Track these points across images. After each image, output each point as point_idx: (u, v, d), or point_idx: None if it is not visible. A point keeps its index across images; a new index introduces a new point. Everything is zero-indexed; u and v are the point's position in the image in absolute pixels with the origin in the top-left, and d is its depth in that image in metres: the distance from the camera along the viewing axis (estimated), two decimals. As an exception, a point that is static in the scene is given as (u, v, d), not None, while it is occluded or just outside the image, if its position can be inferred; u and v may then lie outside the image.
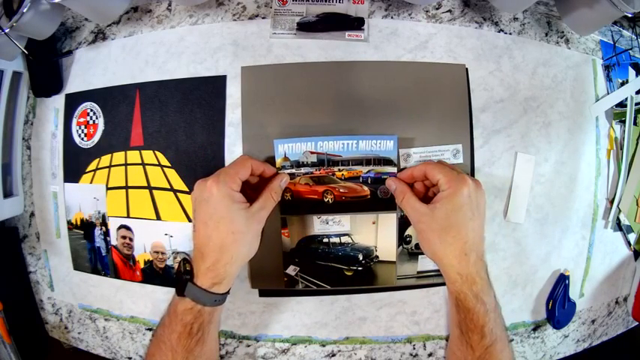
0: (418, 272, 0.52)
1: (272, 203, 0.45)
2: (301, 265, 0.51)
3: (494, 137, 0.52)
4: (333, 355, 0.54)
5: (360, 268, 0.51)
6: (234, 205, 0.41)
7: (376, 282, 0.52)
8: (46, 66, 0.56)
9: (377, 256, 0.51)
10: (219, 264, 0.41)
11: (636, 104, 0.56)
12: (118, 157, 0.54)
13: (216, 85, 0.51)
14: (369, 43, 0.51)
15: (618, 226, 0.58)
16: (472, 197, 0.42)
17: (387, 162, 0.48)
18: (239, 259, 0.42)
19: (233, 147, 0.50)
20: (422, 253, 0.50)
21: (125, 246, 0.55)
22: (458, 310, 0.43)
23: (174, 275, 0.42)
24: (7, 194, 0.58)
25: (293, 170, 0.48)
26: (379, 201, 0.49)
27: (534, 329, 0.57)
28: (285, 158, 0.48)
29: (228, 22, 0.52)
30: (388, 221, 0.50)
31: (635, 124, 0.56)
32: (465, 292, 0.42)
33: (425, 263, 0.51)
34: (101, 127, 0.55)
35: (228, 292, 0.44)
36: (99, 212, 0.55)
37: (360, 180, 0.49)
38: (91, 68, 0.56)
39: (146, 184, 0.53)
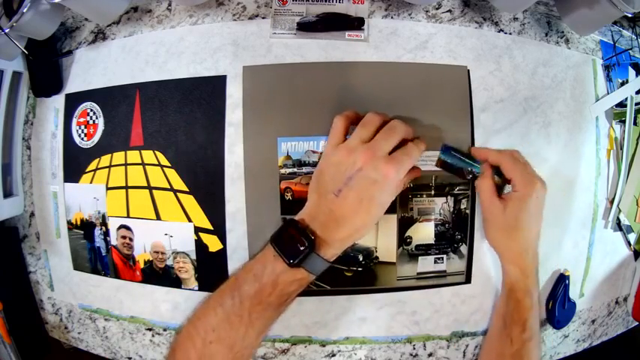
0: (418, 273, 0.51)
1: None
2: (301, 265, 0.51)
3: (495, 137, 0.52)
4: (333, 355, 0.54)
5: (360, 269, 0.51)
6: (394, 195, 0.40)
7: (376, 283, 0.51)
8: (46, 66, 0.56)
9: (377, 257, 0.51)
10: (349, 239, 0.40)
11: (636, 104, 0.56)
12: (118, 157, 0.54)
13: (216, 85, 0.51)
14: (369, 43, 0.51)
15: (618, 226, 0.58)
16: (540, 199, 0.44)
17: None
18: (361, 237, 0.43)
19: (233, 147, 0.50)
20: (422, 254, 0.51)
21: (125, 246, 0.55)
22: (508, 301, 0.46)
23: (281, 243, 0.37)
24: (7, 194, 0.58)
25: (295, 169, 0.49)
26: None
27: (534, 329, 0.57)
28: (288, 157, 0.48)
29: (228, 22, 0.52)
30: (388, 222, 0.50)
31: (635, 124, 0.56)
32: (520, 284, 0.45)
33: (425, 264, 0.51)
34: (101, 127, 0.55)
35: None
36: (99, 212, 0.55)
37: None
38: (91, 68, 0.56)
39: (146, 184, 0.53)
